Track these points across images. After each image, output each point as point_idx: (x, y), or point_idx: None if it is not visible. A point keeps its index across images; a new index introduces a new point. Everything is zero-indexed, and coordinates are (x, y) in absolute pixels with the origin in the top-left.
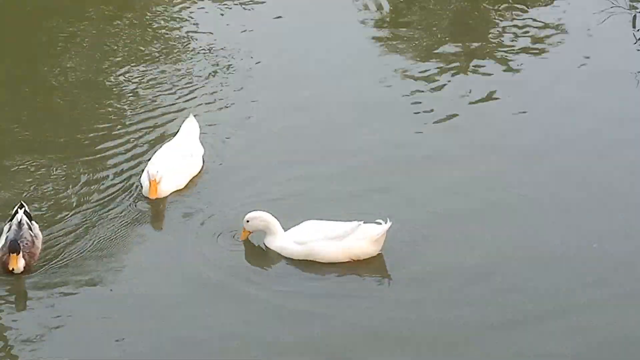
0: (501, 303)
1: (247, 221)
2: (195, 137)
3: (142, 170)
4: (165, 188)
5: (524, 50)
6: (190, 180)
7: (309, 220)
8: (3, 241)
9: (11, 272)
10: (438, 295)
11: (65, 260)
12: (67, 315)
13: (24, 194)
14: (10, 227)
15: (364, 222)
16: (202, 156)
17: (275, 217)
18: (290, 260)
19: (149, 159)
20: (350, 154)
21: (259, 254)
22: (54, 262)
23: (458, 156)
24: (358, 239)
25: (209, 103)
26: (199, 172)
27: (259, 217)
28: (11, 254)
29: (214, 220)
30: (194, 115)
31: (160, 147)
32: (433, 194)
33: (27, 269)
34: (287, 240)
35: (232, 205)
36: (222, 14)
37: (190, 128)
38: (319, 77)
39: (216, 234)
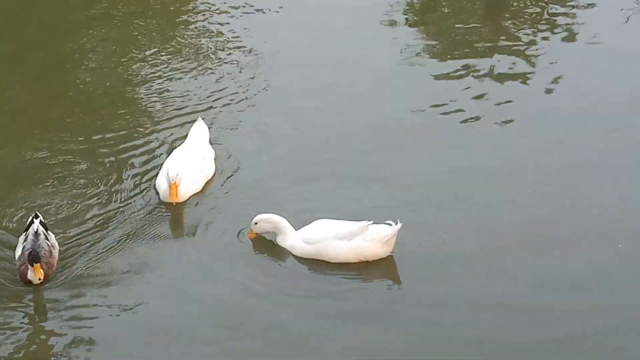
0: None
1: (255, 223)
2: (206, 140)
3: (156, 176)
4: (184, 192)
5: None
6: (206, 184)
7: (320, 219)
8: (20, 251)
9: (30, 283)
10: (449, 306)
11: (82, 269)
12: (87, 325)
13: (40, 202)
14: (26, 237)
15: (374, 223)
16: (214, 159)
17: (284, 217)
18: (302, 261)
19: (162, 163)
20: (365, 155)
21: (280, 263)
22: (71, 271)
23: (483, 161)
24: (367, 239)
25: (226, 105)
26: (213, 175)
27: (266, 219)
28: (34, 265)
29: (232, 223)
30: (202, 118)
31: (172, 152)
32: (453, 197)
33: (45, 279)
34: (297, 240)
35: (249, 206)
36: (241, 15)
37: (199, 131)
38: (340, 82)
39: (236, 238)
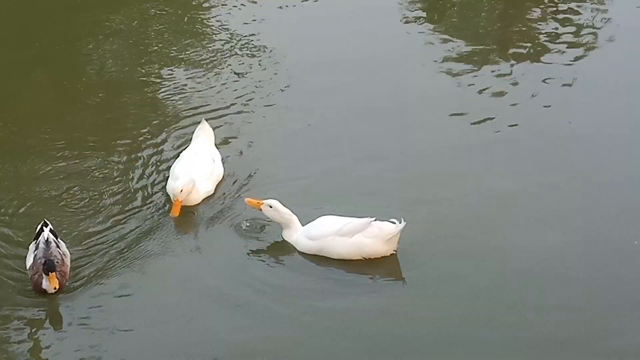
0: (521, 317)
1: (270, 206)
2: (211, 142)
3: (167, 178)
4: (196, 197)
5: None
6: (217, 185)
7: (325, 216)
8: (31, 260)
9: (44, 292)
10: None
11: (96, 276)
12: (105, 332)
13: (49, 207)
14: (37, 246)
15: (377, 219)
16: (222, 160)
17: (293, 213)
18: (307, 259)
19: (170, 165)
20: (381, 153)
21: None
22: (85, 279)
23: (491, 158)
24: (369, 236)
25: (241, 102)
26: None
27: (278, 209)
28: (49, 274)
29: (246, 225)
30: (205, 120)
31: (179, 155)
32: (464, 195)
33: (60, 288)
34: (301, 236)
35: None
36: (258, 10)
37: (204, 133)
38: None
39: (250, 242)
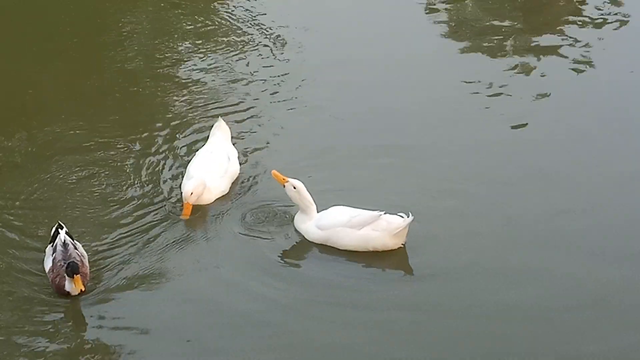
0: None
1: (293, 187)
2: (228, 139)
3: (182, 176)
4: (208, 196)
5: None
6: (232, 184)
7: (337, 206)
8: (50, 263)
9: (67, 295)
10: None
11: (114, 276)
12: (129, 332)
13: (65, 208)
14: (54, 249)
15: (386, 213)
16: (238, 158)
17: (314, 202)
18: (319, 256)
19: (187, 163)
20: (400, 147)
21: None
22: (103, 280)
23: (512, 149)
24: (377, 229)
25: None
26: (238, 174)
27: (302, 192)
28: (74, 276)
29: (261, 223)
30: (222, 117)
31: (195, 154)
32: (485, 190)
33: (82, 290)
34: (311, 225)
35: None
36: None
37: (221, 131)
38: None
39: (265, 239)
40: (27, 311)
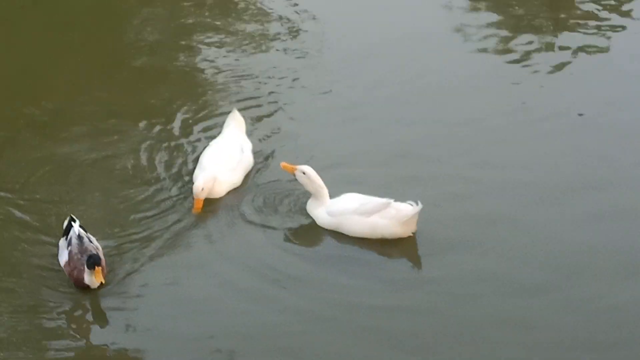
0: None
1: (303, 172)
2: (242, 131)
3: (194, 168)
4: (219, 189)
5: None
6: (245, 176)
7: (349, 193)
8: (65, 257)
9: (87, 288)
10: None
11: (130, 269)
12: (150, 323)
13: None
14: (69, 242)
15: (396, 201)
16: (252, 150)
17: (325, 186)
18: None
19: (198, 156)
20: (418, 129)
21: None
22: (119, 272)
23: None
24: (385, 217)
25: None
26: (252, 167)
27: (312, 177)
28: (95, 268)
29: (272, 216)
30: (237, 109)
31: (208, 145)
32: (502, 179)
33: (102, 283)
34: (322, 210)
35: (291, 197)
36: None
37: (235, 122)
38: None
39: (275, 231)
40: (43, 306)
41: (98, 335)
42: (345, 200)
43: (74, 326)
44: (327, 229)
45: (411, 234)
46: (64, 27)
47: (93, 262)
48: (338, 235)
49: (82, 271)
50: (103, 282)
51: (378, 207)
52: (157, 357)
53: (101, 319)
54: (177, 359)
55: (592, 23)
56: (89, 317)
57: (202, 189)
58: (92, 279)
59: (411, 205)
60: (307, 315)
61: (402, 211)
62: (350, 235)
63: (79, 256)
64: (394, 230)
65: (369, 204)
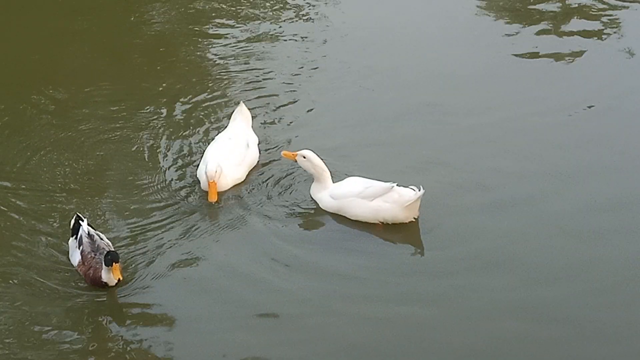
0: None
1: (303, 157)
2: (248, 125)
3: (198, 163)
4: (224, 183)
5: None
6: (250, 171)
7: (353, 177)
8: (78, 256)
9: (104, 286)
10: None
11: (142, 266)
12: (167, 319)
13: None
14: (79, 241)
15: (399, 185)
16: (258, 145)
17: (328, 169)
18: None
19: (205, 147)
20: (425, 120)
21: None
22: (131, 269)
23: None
24: (387, 201)
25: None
26: (257, 162)
27: (313, 161)
28: (113, 264)
29: (276, 209)
30: (244, 102)
31: (214, 139)
32: (513, 165)
33: (119, 279)
34: (325, 193)
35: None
36: None
37: (242, 116)
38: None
39: (279, 227)
40: (58, 305)
41: (114, 329)
42: (348, 183)
43: (88, 322)
44: (330, 213)
45: (413, 219)
46: (72, 15)
47: (111, 258)
48: (341, 221)
49: (98, 270)
50: (121, 278)
51: (381, 191)
52: (182, 348)
53: (120, 318)
54: (201, 351)
55: (603, 13)
56: (105, 313)
57: (216, 171)
58: (110, 276)
59: (413, 190)
60: (317, 303)
61: (405, 196)
62: (353, 218)
63: (93, 255)
64: (396, 215)
65: (372, 187)
